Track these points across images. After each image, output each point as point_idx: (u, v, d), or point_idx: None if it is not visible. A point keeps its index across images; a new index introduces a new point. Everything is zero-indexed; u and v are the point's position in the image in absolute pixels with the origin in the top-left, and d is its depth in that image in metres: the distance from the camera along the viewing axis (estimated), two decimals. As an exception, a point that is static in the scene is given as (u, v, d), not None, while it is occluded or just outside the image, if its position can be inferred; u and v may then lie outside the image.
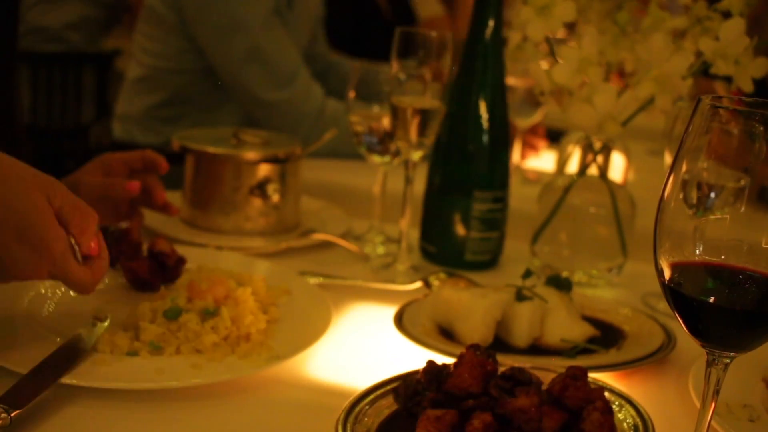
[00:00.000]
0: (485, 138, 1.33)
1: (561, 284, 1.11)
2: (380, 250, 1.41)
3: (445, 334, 1.06)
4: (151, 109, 2.21)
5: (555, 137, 2.22)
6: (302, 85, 2.04)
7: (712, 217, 0.67)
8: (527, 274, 1.10)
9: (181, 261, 1.12)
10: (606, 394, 0.82)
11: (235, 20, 1.96)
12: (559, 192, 1.31)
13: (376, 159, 1.40)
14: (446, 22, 2.97)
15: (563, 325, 1.06)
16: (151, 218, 1.40)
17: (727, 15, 1.17)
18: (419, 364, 0.86)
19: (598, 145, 1.30)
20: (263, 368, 0.91)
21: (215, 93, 2.15)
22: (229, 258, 1.22)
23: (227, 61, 2.03)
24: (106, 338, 0.93)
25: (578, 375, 0.80)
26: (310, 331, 1.00)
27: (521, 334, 1.04)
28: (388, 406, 0.83)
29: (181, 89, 2.17)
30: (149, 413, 0.83)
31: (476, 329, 1.02)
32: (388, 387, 0.85)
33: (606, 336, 1.08)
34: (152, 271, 1.09)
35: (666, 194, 0.67)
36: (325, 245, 1.38)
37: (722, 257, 0.65)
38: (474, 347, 0.85)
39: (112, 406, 0.83)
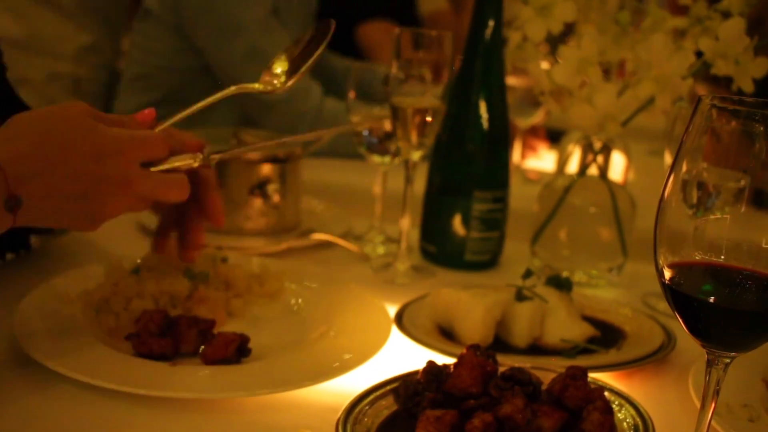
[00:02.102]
0: (485, 138, 1.33)
1: (561, 284, 1.11)
2: (380, 250, 1.41)
3: (445, 334, 1.06)
4: (145, 107, 2.21)
5: (555, 137, 2.22)
6: (301, 83, 2.05)
7: (712, 217, 0.67)
8: (527, 274, 1.10)
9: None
10: (606, 393, 0.83)
11: (234, 22, 1.98)
12: (559, 192, 1.31)
13: (376, 159, 1.40)
14: (450, 17, 2.95)
15: (563, 325, 1.06)
16: (152, 219, 1.40)
17: (726, 15, 1.17)
18: (419, 365, 0.86)
19: (598, 145, 1.30)
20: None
21: (209, 93, 2.15)
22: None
23: (227, 61, 2.03)
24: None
25: (578, 375, 0.80)
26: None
27: (521, 334, 1.04)
28: (387, 406, 0.83)
29: (175, 88, 2.17)
30: (153, 411, 0.84)
31: (476, 329, 1.02)
32: (388, 387, 0.85)
33: (606, 336, 1.08)
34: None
35: (666, 194, 0.67)
36: (326, 245, 1.38)
37: (722, 257, 0.65)
38: (474, 347, 0.85)
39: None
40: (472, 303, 1.03)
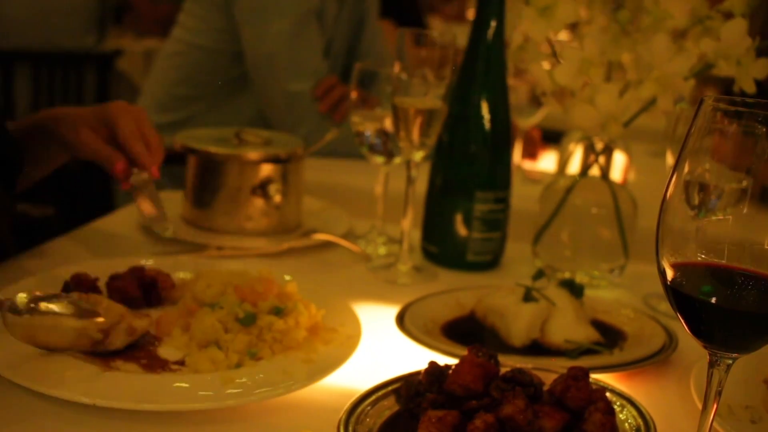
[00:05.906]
0: (487, 138, 1.33)
1: (573, 289, 1.11)
2: (382, 250, 1.41)
3: (446, 335, 1.06)
4: (171, 84, 2.28)
5: (555, 138, 2.22)
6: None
7: (714, 218, 0.67)
8: (539, 274, 1.10)
9: (170, 285, 1.09)
10: (608, 394, 0.82)
11: (278, 4, 2.04)
12: (560, 193, 1.31)
13: (377, 159, 1.40)
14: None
15: (569, 327, 1.06)
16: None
17: (728, 16, 1.17)
18: (421, 365, 0.86)
19: (599, 145, 1.30)
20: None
21: (235, 83, 2.22)
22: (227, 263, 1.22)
23: (259, 42, 2.08)
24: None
25: (580, 376, 0.80)
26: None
27: (519, 334, 1.04)
28: (389, 406, 0.83)
29: (205, 68, 2.23)
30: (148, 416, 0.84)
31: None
32: (390, 388, 0.85)
33: (608, 337, 1.08)
34: (140, 286, 1.07)
35: (668, 195, 0.67)
36: (327, 245, 1.38)
37: (724, 258, 0.65)
38: (475, 348, 0.85)
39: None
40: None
